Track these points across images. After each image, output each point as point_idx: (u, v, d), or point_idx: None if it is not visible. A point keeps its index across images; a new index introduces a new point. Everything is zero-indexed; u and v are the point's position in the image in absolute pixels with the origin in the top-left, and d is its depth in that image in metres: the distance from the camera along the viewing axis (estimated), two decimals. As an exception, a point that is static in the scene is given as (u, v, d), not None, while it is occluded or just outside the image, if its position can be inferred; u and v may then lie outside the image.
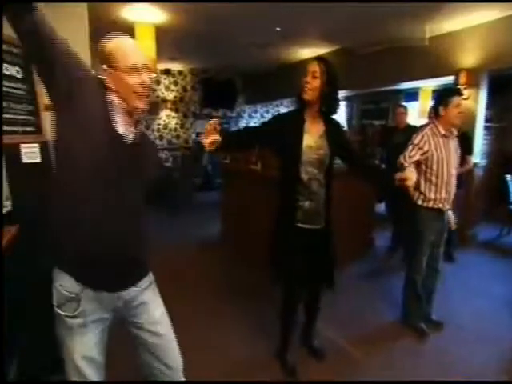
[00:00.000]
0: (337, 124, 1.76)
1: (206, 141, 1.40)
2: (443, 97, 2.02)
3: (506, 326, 2.31)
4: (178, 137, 7.38)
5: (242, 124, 8.02)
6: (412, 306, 2.24)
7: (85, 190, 0.95)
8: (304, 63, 1.69)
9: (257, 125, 1.75)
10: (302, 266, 1.70)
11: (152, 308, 1.12)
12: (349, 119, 7.84)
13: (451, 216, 2.15)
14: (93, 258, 0.98)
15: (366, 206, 3.59)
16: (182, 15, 3.71)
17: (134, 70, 0.95)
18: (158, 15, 3.68)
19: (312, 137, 1.64)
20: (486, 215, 4.36)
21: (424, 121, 3.99)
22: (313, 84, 1.58)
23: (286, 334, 1.88)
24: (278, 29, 4.11)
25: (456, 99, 1.96)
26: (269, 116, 8.33)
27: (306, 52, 5.54)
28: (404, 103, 6.30)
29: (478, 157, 3.96)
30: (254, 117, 8.29)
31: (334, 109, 1.66)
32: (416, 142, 2.02)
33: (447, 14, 3.47)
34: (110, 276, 1.02)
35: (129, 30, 3.44)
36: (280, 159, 1.73)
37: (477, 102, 3.88)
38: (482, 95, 3.91)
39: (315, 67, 1.59)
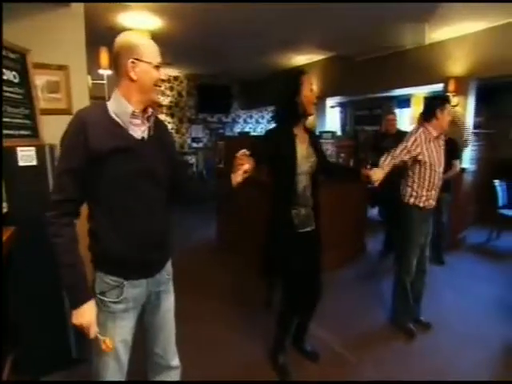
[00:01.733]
0: (312, 131, 1.88)
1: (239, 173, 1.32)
2: (439, 103, 2.11)
3: (492, 326, 2.36)
4: (173, 141, 7.41)
5: (237, 129, 8.09)
6: (401, 306, 2.29)
7: (119, 201, 1.04)
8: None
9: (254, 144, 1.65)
10: (302, 270, 1.73)
11: (171, 296, 1.25)
12: (343, 125, 7.96)
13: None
14: (133, 258, 1.07)
15: (358, 211, 3.65)
16: (177, 21, 3.77)
17: (159, 66, 1.07)
18: (153, 21, 3.74)
19: (302, 147, 1.69)
20: (475, 219, 4.45)
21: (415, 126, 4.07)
22: (315, 98, 1.65)
23: (283, 336, 1.89)
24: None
25: (449, 108, 2.11)
26: (263, 122, 8.41)
27: (302, 58, 5.64)
28: (397, 110, 6.46)
29: (467, 162, 4.05)
30: (248, 122, 8.36)
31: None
32: (409, 144, 2.08)
33: (436, 23, 3.58)
34: (148, 266, 1.13)
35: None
36: (275, 172, 1.74)
37: (465, 109, 3.99)
38: (470, 102, 4.03)
39: (312, 80, 1.66)
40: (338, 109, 7.87)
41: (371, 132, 6.59)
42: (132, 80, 1.03)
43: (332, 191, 3.09)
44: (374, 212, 4.48)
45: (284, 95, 1.67)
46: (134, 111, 1.03)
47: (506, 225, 4.09)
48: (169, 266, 1.23)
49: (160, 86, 1.11)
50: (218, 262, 3.54)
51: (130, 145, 1.03)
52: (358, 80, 5.14)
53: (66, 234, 1.00)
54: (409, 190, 2.16)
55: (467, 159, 4.09)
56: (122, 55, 1.02)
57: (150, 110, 1.09)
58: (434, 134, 2.10)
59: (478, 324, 2.40)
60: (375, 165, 3.99)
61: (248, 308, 2.58)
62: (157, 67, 1.06)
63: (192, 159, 7.35)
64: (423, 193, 2.12)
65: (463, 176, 3.83)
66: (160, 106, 7.08)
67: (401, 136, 3.64)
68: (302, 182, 1.68)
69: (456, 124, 3.39)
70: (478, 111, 4.34)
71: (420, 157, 2.07)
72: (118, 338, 1.08)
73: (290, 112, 1.65)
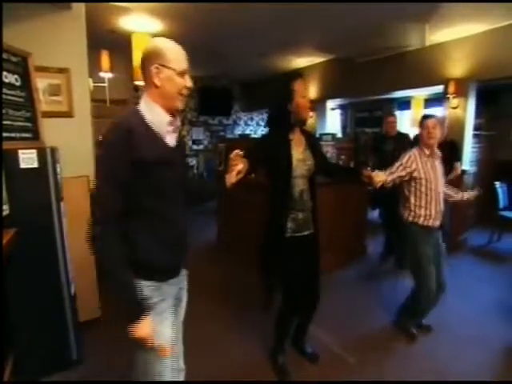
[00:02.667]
0: (311, 133, 1.87)
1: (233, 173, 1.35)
2: (419, 123, 2.16)
3: (493, 328, 2.35)
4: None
5: (238, 131, 8.10)
6: (409, 316, 2.28)
7: (157, 207, 1.05)
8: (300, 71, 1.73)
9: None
10: (300, 271, 1.73)
11: (186, 293, 1.31)
12: (343, 127, 7.97)
13: (464, 194, 2.28)
14: (169, 262, 1.12)
15: (359, 213, 3.65)
16: (178, 24, 3.80)
17: (184, 73, 1.05)
18: (154, 24, 3.76)
19: (298, 150, 1.68)
20: (476, 221, 4.44)
21: (416, 129, 4.08)
22: (308, 103, 1.65)
23: (283, 337, 1.89)
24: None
25: (426, 122, 2.09)
26: (264, 124, 8.42)
27: (302, 61, 5.66)
28: (397, 111, 6.47)
29: (467, 164, 4.05)
30: (249, 124, 8.38)
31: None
32: (404, 161, 2.11)
33: (436, 25, 3.59)
34: (178, 267, 1.19)
35: (126, 39, 3.51)
36: (271, 176, 1.74)
37: (465, 111, 4.00)
38: (471, 104, 4.03)
39: (305, 84, 1.65)
40: (338, 111, 7.89)
41: (371, 134, 6.60)
42: (156, 86, 1.01)
43: (333, 193, 3.10)
44: (375, 214, 4.47)
45: (276, 102, 1.68)
46: (169, 120, 1.04)
47: (507, 227, 4.08)
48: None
49: (184, 95, 1.06)
50: (219, 263, 3.54)
51: (167, 153, 1.05)
52: (359, 82, 5.15)
53: (115, 249, 0.98)
54: (406, 211, 2.15)
55: (467, 161, 4.09)
56: (147, 61, 1.01)
57: (178, 118, 1.09)
58: (427, 152, 2.11)
59: (479, 326, 2.39)
60: (375, 167, 4.01)
61: (248, 308, 2.57)
62: (182, 74, 1.04)
63: (193, 161, 7.37)
64: (421, 212, 2.10)
65: (464, 178, 3.83)
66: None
67: (401, 138, 3.65)
68: (299, 185, 1.68)
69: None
70: (479, 113, 4.34)
71: (415, 173, 2.07)
72: (167, 337, 1.09)
73: (284, 119, 1.65)
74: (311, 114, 5.79)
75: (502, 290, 2.93)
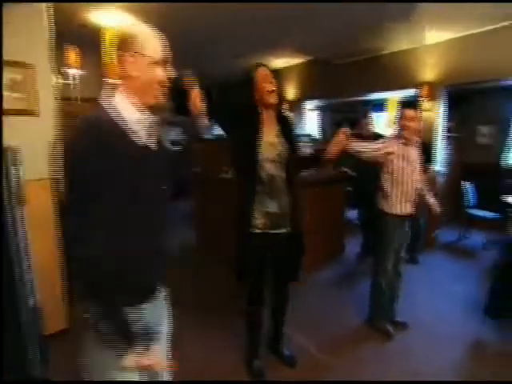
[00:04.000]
0: (288, 122, 1.78)
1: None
2: (400, 110, 2.20)
3: (464, 324, 2.43)
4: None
5: (216, 132, 8.00)
6: (378, 308, 2.32)
7: (137, 215, 0.91)
8: (277, 73, 1.69)
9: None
10: (266, 271, 1.71)
11: (166, 320, 1.22)
12: (321, 128, 8.07)
13: (434, 202, 2.31)
14: (144, 278, 0.99)
15: (336, 213, 3.69)
16: (153, 21, 3.67)
17: (163, 63, 0.93)
18: (127, 20, 3.62)
19: (271, 134, 1.62)
20: (446, 219, 4.62)
21: (390, 130, 4.19)
22: (274, 87, 1.58)
23: (254, 339, 1.87)
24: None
25: (405, 112, 2.12)
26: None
27: (280, 62, 5.68)
28: (373, 113, 6.62)
29: (438, 165, 4.21)
30: (228, 124, 8.31)
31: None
32: (380, 143, 2.22)
33: (406, 31, 3.70)
34: (155, 282, 1.08)
35: (97, 34, 3.36)
36: (238, 157, 1.68)
37: (437, 114, 4.15)
38: (442, 107, 4.19)
39: (266, 71, 1.60)
40: (316, 112, 7.98)
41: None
42: (130, 77, 0.90)
43: (310, 192, 3.11)
44: (353, 215, 4.54)
45: (241, 97, 1.67)
46: (141, 117, 0.94)
47: (475, 224, 4.28)
48: None
49: (163, 87, 0.96)
50: (197, 265, 3.46)
51: (135, 152, 0.94)
52: (336, 84, 5.23)
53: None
54: (381, 198, 2.21)
55: (438, 162, 4.25)
56: (120, 48, 0.91)
57: (158, 115, 1.01)
58: (402, 139, 2.14)
59: (452, 322, 2.46)
60: (351, 168, 4.05)
61: (226, 311, 2.52)
62: (160, 63, 0.93)
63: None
64: (394, 201, 2.15)
65: (435, 178, 3.97)
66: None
67: (377, 139, 3.72)
68: (269, 169, 1.58)
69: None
70: (450, 116, 4.52)
71: (394, 156, 2.11)
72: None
73: (251, 107, 1.62)
74: (291, 114, 5.82)
75: (473, 285, 3.05)
